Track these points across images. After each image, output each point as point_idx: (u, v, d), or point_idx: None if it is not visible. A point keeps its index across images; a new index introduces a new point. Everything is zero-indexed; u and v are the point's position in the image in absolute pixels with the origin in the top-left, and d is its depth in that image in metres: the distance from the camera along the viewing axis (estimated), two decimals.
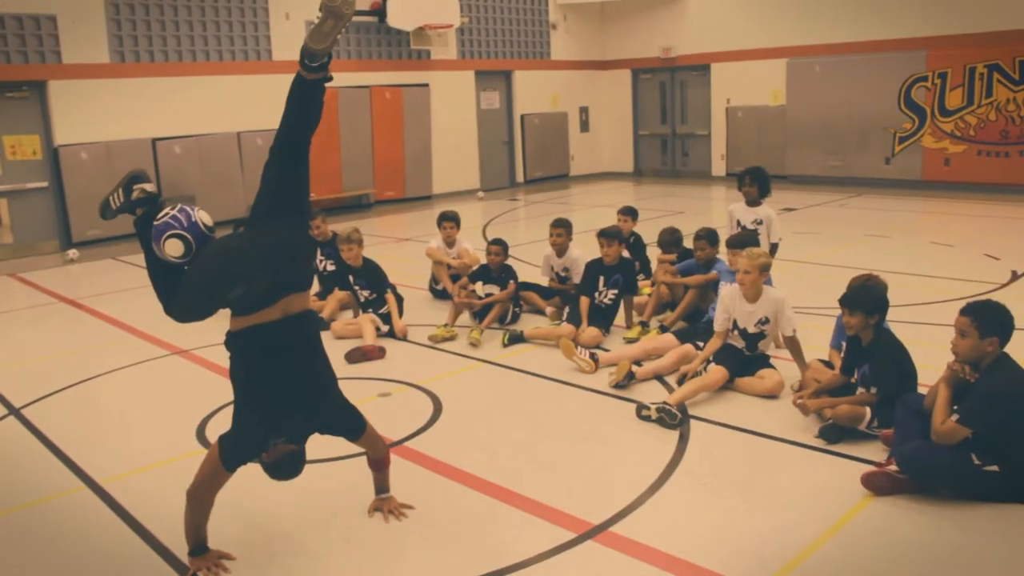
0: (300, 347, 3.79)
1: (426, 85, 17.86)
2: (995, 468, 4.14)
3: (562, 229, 7.94)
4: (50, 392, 6.53)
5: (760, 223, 7.55)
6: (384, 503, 4.33)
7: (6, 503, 4.68)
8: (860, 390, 5.08)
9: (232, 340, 3.73)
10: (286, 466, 3.86)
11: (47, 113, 13.19)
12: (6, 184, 12.94)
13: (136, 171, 3.87)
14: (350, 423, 4.05)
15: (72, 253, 12.84)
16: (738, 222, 7.66)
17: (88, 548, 4.19)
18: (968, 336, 4.26)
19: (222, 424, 5.48)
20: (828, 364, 5.72)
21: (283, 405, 3.75)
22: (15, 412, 6.13)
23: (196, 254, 3.64)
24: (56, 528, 4.41)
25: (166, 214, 3.65)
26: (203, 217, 3.70)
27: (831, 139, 17.47)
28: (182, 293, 3.66)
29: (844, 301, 5.10)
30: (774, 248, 7.53)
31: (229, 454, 3.75)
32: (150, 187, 3.81)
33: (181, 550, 3.93)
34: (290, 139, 3.69)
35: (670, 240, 8.15)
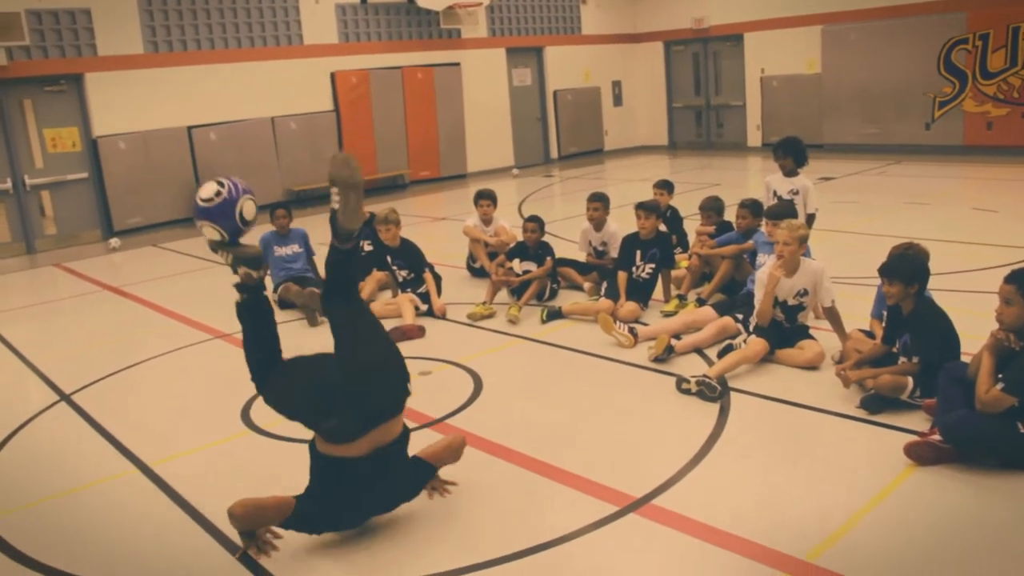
0: (386, 477, 3.85)
1: (457, 64, 17.83)
2: None
3: (599, 203, 7.93)
4: (98, 378, 6.67)
5: (796, 193, 7.49)
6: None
7: (62, 486, 4.80)
8: (902, 360, 5.03)
9: (314, 455, 3.81)
10: None
11: (85, 105, 13.37)
12: (48, 176, 13.16)
13: (254, 252, 3.88)
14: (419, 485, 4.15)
15: (114, 242, 13.07)
16: (775, 193, 7.60)
17: (141, 528, 4.29)
18: (1013, 304, 4.20)
19: (266, 406, 5.58)
20: (869, 334, 5.67)
21: (363, 511, 3.90)
22: (66, 398, 6.27)
23: (291, 367, 3.84)
24: (110, 509, 4.52)
25: (214, 197, 3.71)
26: (247, 209, 3.77)
27: (868, 106, 17.19)
28: (276, 401, 3.86)
29: (883, 271, 5.05)
30: (811, 218, 7.46)
31: (299, 524, 3.82)
32: (257, 274, 3.87)
33: (230, 528, 4.02)
34: (340, 290, 3.86)
35: (712, 205, 8.09)
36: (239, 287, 3.89)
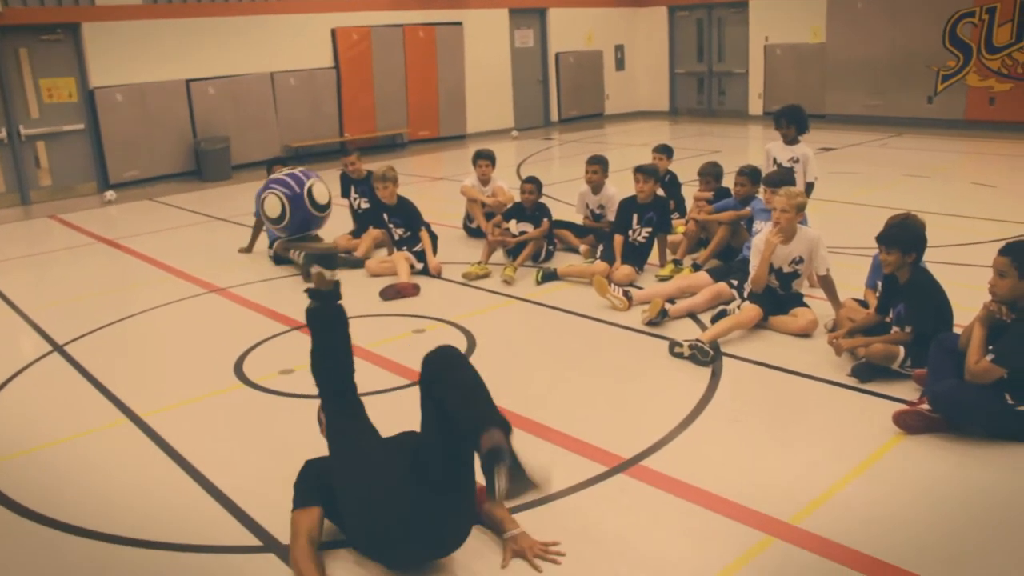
0: None
1: (459, 24, 17.65)
2: None
3: (598, 166, 7.90)
4: (91, 329, 6.66)
5: (797, 161, 7.46)
6: (519, 544, 3.49)
7: (53, 435, 4.82)
8: (895, 329, 5.05)
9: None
10: None
11: (82, 55, 13.24)
12: (43, 127, 13.06)
13: (329, 248, 3.50)
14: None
15: (109, 194, 13.00)
16: (775, 160, 7.58)
17: (131, 478, 4.30)
18: (1007, 276, 4.20)
19: (258, 361, 5.59)
20: (863, 303, 5.68)
21: None
22: (59, 348, 6.27)
23: (350, 469, 3.40)
24: (100, 459, 4.54)
25: (285, 174, 3.42)
26: (317, 191, 3.48)
27: (872, 77, 17.07)
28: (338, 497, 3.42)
29: (881, 238, 5.04)
30: (810, 187, 7.44)
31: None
32: (331, 275, 3.48)
33: (221, 480, 4.05)
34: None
35: (710, 171, 8.07)
36: (311, 292, 3.52)
